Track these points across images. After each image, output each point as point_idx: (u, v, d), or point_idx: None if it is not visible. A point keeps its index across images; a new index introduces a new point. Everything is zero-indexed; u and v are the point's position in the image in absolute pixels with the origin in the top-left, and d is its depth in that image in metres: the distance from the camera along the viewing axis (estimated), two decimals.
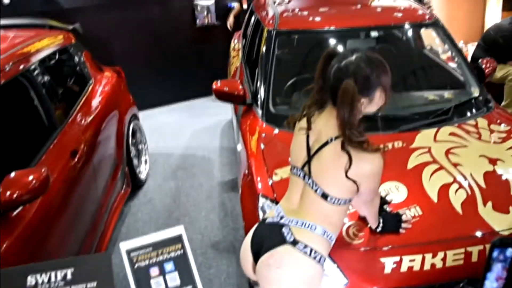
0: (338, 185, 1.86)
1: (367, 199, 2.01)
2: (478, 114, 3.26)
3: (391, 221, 2.29)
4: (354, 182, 1.84)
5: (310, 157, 1.92)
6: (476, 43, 6.25)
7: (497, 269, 0.98)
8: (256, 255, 1.97)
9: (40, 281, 1.74)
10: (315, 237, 1.90)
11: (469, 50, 6.98)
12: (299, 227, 1.91)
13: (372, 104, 1.88)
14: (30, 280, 1.75)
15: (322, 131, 1.90)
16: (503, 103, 5.50)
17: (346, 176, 1.82)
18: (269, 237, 1.94)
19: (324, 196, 1.88)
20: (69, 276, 1.78)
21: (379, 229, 2.27)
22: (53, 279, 1.76)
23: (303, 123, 2.01)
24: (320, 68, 1.92)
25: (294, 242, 1.88)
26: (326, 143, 1.87)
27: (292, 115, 2.11)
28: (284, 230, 1.92)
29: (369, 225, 2.33)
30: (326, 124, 1.89)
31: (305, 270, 1.88)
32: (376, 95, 1.86)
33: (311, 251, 1.87)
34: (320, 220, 1.91)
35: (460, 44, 7.47)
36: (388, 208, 2.36)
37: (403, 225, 2.30)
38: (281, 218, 1.97)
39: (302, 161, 1.96)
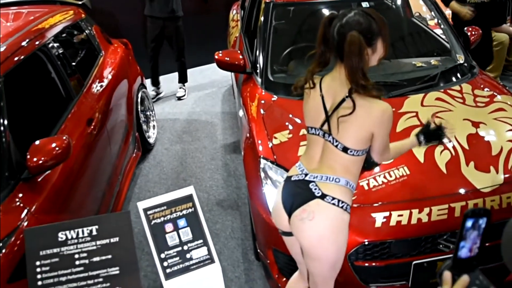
0: (355, 138, 1.91)
1: (380, 147, 1.98)
2: (462, 80, 3.31)
3: (433, 133, 2.20)
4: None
5: (328, 116, 1.96)
6: None
7: (471, 238, 1.05)
8: (289, 211, 2.02)
9: (69, 236, 1.85)
10: (340, 188, 1.96)
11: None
12: (324, 182, 1.96)
13: (375, 55, 1.92)
14: (61, 236, 1.85)
15: (338, 91, 1.93)
16: (488, 67, 5.54)
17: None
18: (299, 194, 1.99)
19: (345, 149, 1.92)
20: (94, 232, 1.89)
21: (422, 143, 2.19)
22: (80, 235, 1.87)
23: (315, 87, 2.03)
24: (321, 33, 1.95)
25: (323, 196, 1.94)
26: (342, 101, 1.90)
27: (298, 81, 2.09)
28: (311, 186, 1.97)
29: (361, 183, 2.43)
30: (340, 84, 1.92)
31: (336, 219, 1.95)
32: (378, 45, 1.90)
33: (338, 201, 1.94)
34: (341, 172, 1.96)
35: (447, 11, 7.42)
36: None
37: (447, 131, 2.20)
38: (306, 175, 2.01)
39: (321, 121, 1.98)
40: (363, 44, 1.82)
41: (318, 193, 1.95)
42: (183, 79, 6.28)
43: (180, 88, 6.28)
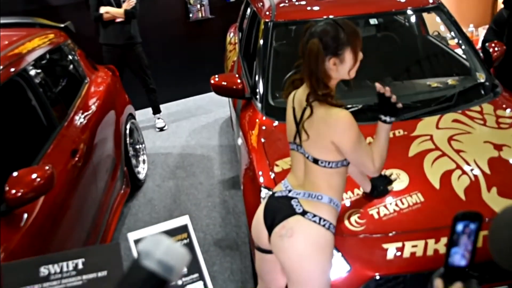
0: (319, 148, 2.11)
1: (356, 159, 2.15)
2: (483, 100, 3.42)
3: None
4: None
5: (297, 127, 2.19)
6: (487, 26, 6.39)
7: (463, 243, 1.13)
8: (269, 227, 2.20)
9: (52, 271, 1.94)
10: (323, 206, 2.14)
11: (480, 34, 7.11)
12: (306, 199, 2.16)
13: (343, 65, 2.09)
14: (43, 271, 1.94)
15: (303, 101, 2.15)
16: None
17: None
18: (280, 210, 2.18)
19: (315, 161, 2.12)
20: (80, 266, 1.97)
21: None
22: (65, 269, 1.96)
23: (290, 97, 2.30)
24: (302, 43, 2.17)
25: (304, 213, 2.13)
26: (304, 110, 2.14)
27: (286, 89, 2.36)
28: (293, 202, 2.17)
29: (370, 212, 2.53)
30: (304, 93, 2.16)
31: (316, 237, 2.12)
32: (346, 55, 2.08)
33: (320, 219, 2.12)
34: (324, 188, 2.15)
35: (471, 28, 7.61)
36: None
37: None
38: (289, 191, 2.22)
39: (293, 134, 2.23)
40: (321, 52, 2.03)
41: (299, 209, 2.14)
42: (156, 110, 6.41)
43: (158, 118, 6.42)
